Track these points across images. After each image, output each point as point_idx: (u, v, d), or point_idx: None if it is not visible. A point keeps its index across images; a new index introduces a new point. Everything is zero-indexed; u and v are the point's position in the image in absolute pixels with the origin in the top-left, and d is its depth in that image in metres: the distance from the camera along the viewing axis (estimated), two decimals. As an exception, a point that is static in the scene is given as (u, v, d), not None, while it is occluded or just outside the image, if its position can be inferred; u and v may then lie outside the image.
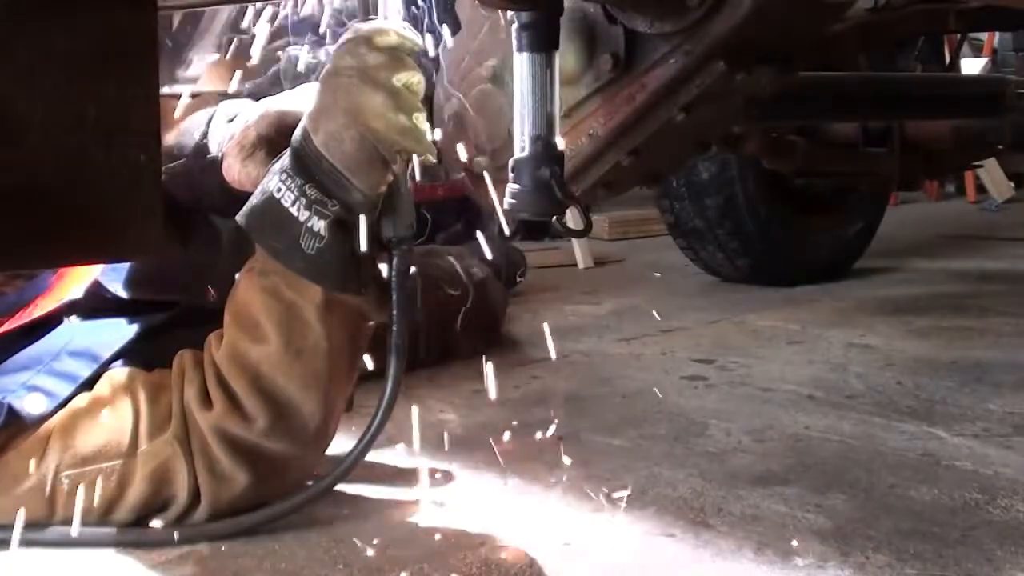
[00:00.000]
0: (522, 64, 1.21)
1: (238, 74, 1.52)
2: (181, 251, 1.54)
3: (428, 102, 1.35)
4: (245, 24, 1.43)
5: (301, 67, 1.33)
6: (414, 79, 1.29)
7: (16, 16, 0.66)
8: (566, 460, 1.64)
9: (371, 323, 1.40)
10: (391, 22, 1.30)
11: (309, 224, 1.28)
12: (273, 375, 1.34)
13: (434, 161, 1.32)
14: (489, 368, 1.52)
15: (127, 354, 1.46)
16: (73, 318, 1.50)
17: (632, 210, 4.65)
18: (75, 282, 1.52)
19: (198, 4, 1.72)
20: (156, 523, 1.35)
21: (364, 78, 1.26)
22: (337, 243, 1.29)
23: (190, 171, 1.51)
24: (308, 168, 1.28)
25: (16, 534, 1.33)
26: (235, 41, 1.56)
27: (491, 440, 1.69)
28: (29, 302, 1.49)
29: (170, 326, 1.54)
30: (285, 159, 1.31)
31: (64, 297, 1.50)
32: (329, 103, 1.28)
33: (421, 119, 1.30)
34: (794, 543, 1.32)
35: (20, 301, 1.49)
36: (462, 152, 1.46)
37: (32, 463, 1.33)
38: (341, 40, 1.30)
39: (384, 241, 1.34)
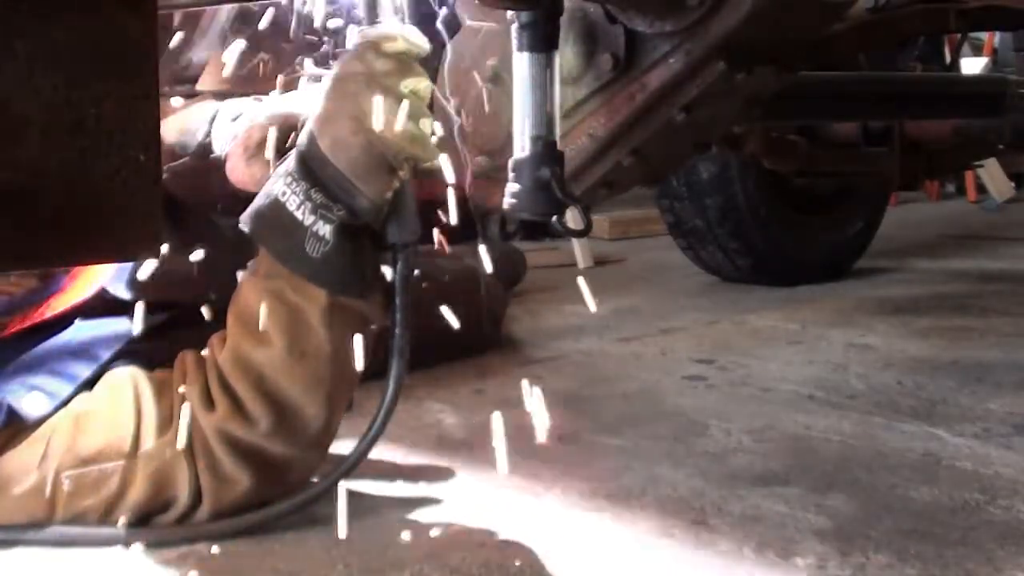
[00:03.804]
0: (522, 64, 1.21)
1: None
2: (181, 251, 1.54)
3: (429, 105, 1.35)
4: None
5: None
6: (421, 85, 1.29)
7: (16, 16, 0.66)
8: (566, 460, 1.64)
9: (374, 326, 1.40)
10: (399, 27, 1.30)
11: (314, 228, 1.28)
12: (276, 378, 1.34)
13: (439, 166, 1.32)
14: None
15: (127, 354, 1.46)
16: (77, 319, 1.50)
17: (632, 210, 4.65)
18: (87, 283, 1.52)
19: (198, 4, 1.72)
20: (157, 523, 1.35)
21: (371, 84, 1.26)
22: (342, 247, 1.29)
23: (193, 170, 1.51)
24: (313, 172, 1.28)
25: (16, 534, 1.33)
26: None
27: (491, 440, 1.69)
28: (40, 303, 1.49)
29: (170, 326, 1.54)
30: (290, 162, 1.31)
31: (74, 299, 1.50)
32: (336, 108, 1.28)
33: (428, 125, 1.30)
34: (794, 543, 1.32)
35: (30, 302, 1.49)
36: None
37: (32, 463, 1.33)
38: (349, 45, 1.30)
39: (388, 245, 1.34)
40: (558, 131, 1.24)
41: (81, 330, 1.49)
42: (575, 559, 1.30)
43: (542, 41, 1.21)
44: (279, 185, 1.30)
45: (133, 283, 1.54)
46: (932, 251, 4.04)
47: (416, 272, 1.36)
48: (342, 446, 1.42)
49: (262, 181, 1.37)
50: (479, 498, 1.51)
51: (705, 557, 1.29)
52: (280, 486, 1.38)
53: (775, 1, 1.20)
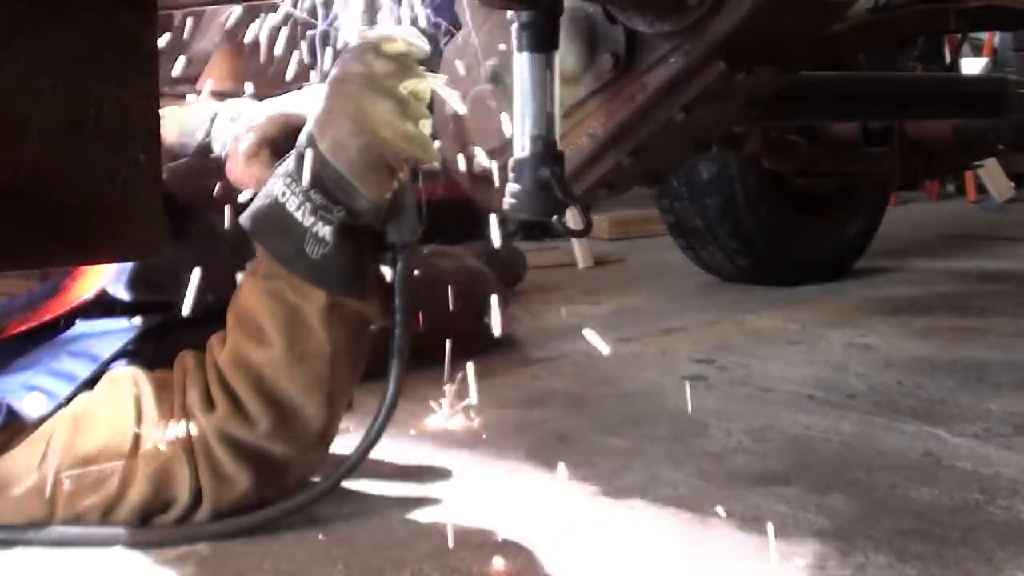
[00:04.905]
0: (522, 64, 1.21)
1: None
2: (181, 251, 1.53)
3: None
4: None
5: None
6: (421, 86, 1.29)
7: (16, 16, 0.66)
8: (566, 460, 1.64)
9: (373, 326, 1.40)
10: (399, 29, 1.30)
11: (314, 229, 1.28)
12: (276, 378, 1.34)
13: (439, 167, 1.32)
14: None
15: (127, 354, 1.46)
16: (78, 320, 1.50)
17: (632, 210, 4.65)
18: (88, 285, 1.52)
19: (198, 4, 1.72)
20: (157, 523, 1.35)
21: (371, 85, 1.26)
22: (342, 248, 1.29)
23: (193, 170, 1.51)
24: (313, 173, 1.28)
25: (16, 534, 1.33)
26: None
27: (491, 440, 1.69)
28: (40, 304, 1.49)
29: (170, 326, 1.54)
30: (290, 163, 1.31)
31: (74, 299, 1.50)
32: (336, 109, 1.28)
33: (427, 126, 1.30)
34: (794, 543, 1.32)
35: (31, 303, 1.49)
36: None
37: (32, 463, 1.32)
38: (349, 46, 1.30)
39: (388, 245, 1.34)
40: (558, 131, 1.24)
41: (81, 330, 1.49)
42: (575, 559, 1.30)
43: (542, 41, 1.21)
44: (279, 185, 1.31)
45: (133, 284, 1.54)
46: (932, 251, 4.04)
47: (416, 272, 1.36)
48: (342, 446, 1.42)
49: (262, 182, 1.37)
50: (479, 498, 1.51)
51: (705, 557, 1.29)
52: (280, 486, 1.38)
53: (775, 1, 1.20)
